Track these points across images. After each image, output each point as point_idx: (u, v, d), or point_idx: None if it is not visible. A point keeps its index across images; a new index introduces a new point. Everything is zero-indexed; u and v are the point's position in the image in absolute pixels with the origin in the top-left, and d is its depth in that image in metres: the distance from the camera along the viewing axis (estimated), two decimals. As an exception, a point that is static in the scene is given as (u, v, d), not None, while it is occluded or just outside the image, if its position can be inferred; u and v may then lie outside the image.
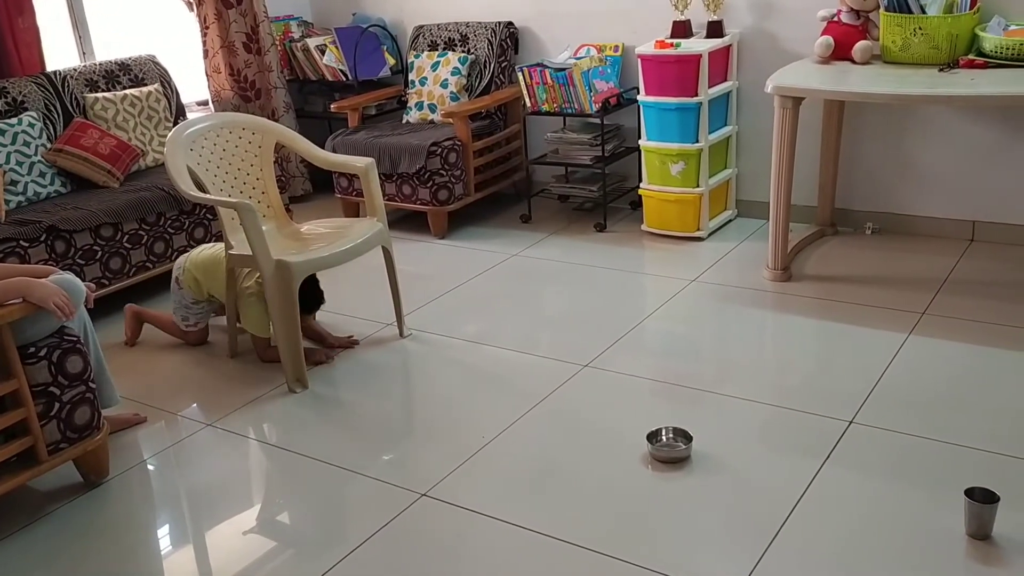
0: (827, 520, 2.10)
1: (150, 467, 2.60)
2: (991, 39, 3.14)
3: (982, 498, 1.99)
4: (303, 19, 5.08)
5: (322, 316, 3.46)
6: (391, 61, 4.81)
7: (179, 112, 4.27)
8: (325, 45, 4.83)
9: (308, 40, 4.84)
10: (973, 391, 2.61)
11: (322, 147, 3.84)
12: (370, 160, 3.20)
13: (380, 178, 4.18)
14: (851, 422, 2.48)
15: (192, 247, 3.81)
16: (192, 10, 4.60)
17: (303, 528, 2.28)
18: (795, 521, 2.10)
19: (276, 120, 4.61)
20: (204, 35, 4.61)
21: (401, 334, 3.22)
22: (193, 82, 4.71)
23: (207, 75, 4.66)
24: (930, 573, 1.92)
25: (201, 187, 3.05)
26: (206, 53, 4.64)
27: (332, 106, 4.57)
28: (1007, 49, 3.10)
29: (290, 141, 3.33)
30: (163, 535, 2.30)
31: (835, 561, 1.97)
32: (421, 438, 2.63)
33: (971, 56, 3.20)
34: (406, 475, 2.42)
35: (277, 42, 4.79)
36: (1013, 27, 3.22)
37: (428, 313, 3.41)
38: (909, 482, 2.22)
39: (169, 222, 3.72)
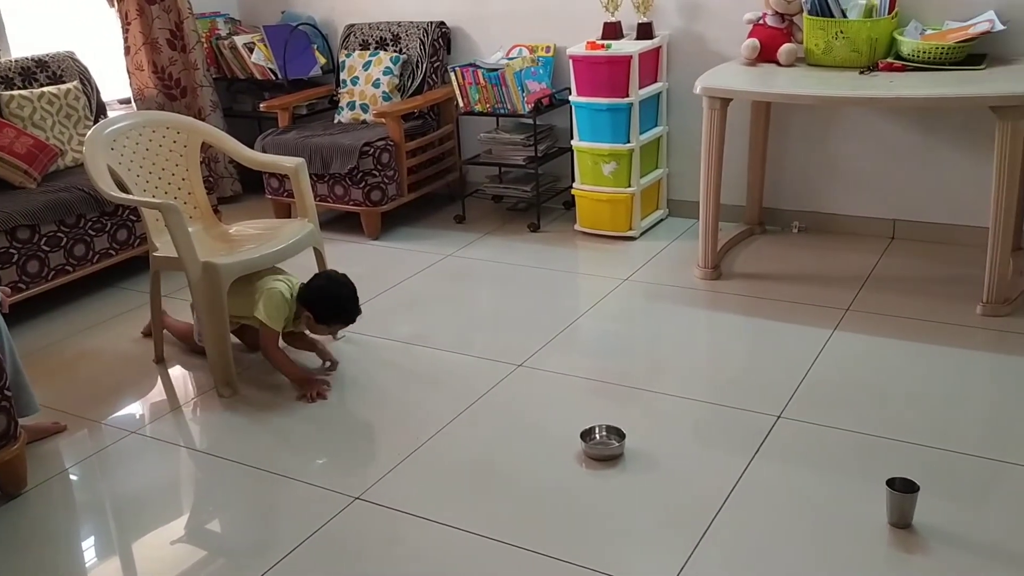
0: (756, 513, 2.14)
1: (72, 477, 2.52)
2: (908, 43, 3.25)
3: (903, 488, 2.05)
4: (230, 16, 4.98)
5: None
6: (322, 60, 4.75)
7: (100, 110, 4.14)
8: (254, 43, 4.74)
9: (236, 38, 4.75)
10: (894, 384, 2.69)
11: (251, 147, 3.78)
12: (300, 160, 3.15)
13: (312, 179, 4.14)
14: (779, 417, 2.53)
15: (115, 250, 3.71)
16: (112, 6, 4.47)
17: (234, 536, 2.23)
18: (725, 515, 2.14)
19: (203, 119, 4.51)
20: (125, 32, 4.48)
21: (334, 336, 3.18)
22: (114, 80, 4.57)
23: (129, 72, 4.53)
24: (854, 562, 1.97)
25: (123, 187, 2.96)
26: (127, 50, 4.51)
27: (261, 105, 4.50)
28: (923, 53, 3.21)
29: (217, 141, 3.26)
30: (87, 547, 2.23)
31: (764, 553, 2.01)
32: (354, 441, 2.60)
33: (890, 59, 3.30)
34: (339, 479, 2.39)
35: (203, 39, 4.69)
36: (929, 31, 3.34)
37: (362, 315, 3.36)
38: (834, 474, 2.28)
39: (90, 224, 3.61)
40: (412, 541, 2.14)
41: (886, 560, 1.98)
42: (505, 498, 2.27)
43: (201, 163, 3.37)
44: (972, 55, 3.23)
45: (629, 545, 2.07)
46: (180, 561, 2.14)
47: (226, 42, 4.76)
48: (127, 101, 4.62)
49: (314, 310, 2.84)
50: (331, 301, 2.85)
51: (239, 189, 4.87)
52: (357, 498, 2.29)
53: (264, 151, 4.15)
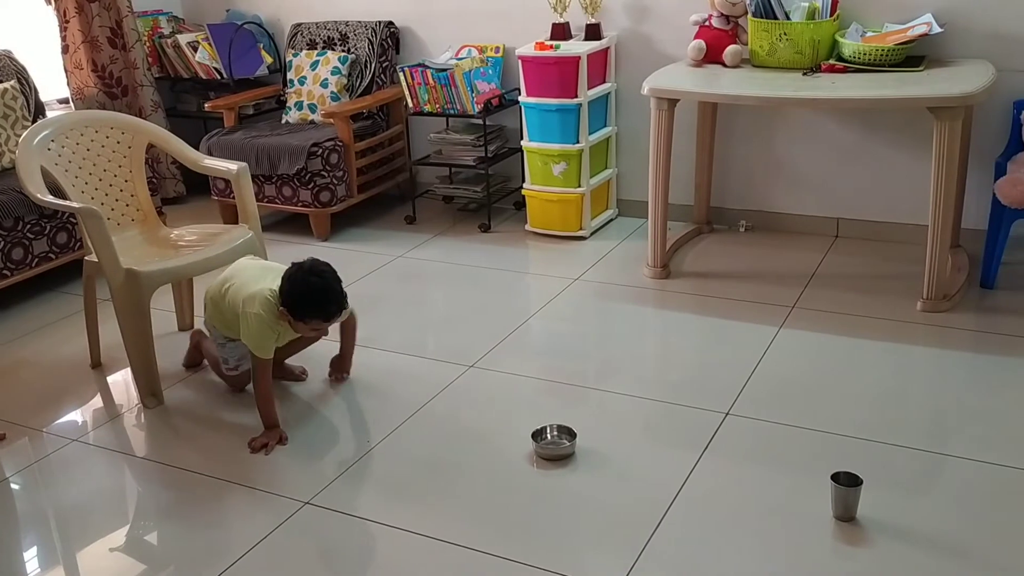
0: (705, 509, 2.17)
1: (13, 486, 2.45)
2: (850, 45, 3.31)
3: (847, 482, 2.09)
4: (173, 14, 4.89)
5: (198, 323, 3.34)
6: (268, 59, 4.69)
7: (38, 110, 4.03)
8: (197, 42, 4.66)
9: (179, 36, 4.66)
10: (838, 380, 2.74)
11: (196, 147, 3.71)
12: (243, 165, 3.06)
13: (259, 180, 4.10)
14: (727, 414, 2.57)
15: (55, 253, 3.62)
16: (49, 3, 4.35)
17: (181, 543, 2.19)
18: (675, 512, 2.16)
19: (144, 119, 4.41)
20: (64, 30, 4.37)
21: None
22: (54, 79, 4.46)
23: (67, 72, 4.42)
24: (800, 556, 2.00)
25: (60, 190, 2.89)
26: (66, 49, 4.40)
27: (206, 105, 4.43)
28: (864, 54, 3.28)
29: (162, 141, 3.20)
30: (29, 558, 2.17)
31: (712, 548, 2.04)
32: (303, 445, 2.57)
33: (832, 61, 3.37)
34: (288, 484, 2.36)
35: (144, 38, 4.59)
36: (869, 33, 3.41)
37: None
38: (780, 469, 2.32)
39: (28, 227, 3.51)
40: (363, 545, 2.12)
41: (832, 553, 2.02)
42: (456, 500, 2.27)
43: (145, 164, 3.29)
44: (911, 57, 3.30)
45: (580, 544, 2.08)
46: (127, 570, 2.09)
47: (169, 41, 4.67)
48: (65, 101, 4.51)
49: (288, 308, 2.48)
50: (302, 294, 2.46)
51: (183, 190, 4.78)
52: (307, 503, 2.27)
53: (210, 152, 4.08)
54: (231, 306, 2.60)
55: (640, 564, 1.99)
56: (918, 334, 2.99)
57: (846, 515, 2.08)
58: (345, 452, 2.50)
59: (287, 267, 2.53)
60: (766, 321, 3.12)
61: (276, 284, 2.53)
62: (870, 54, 3.27)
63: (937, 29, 3.27)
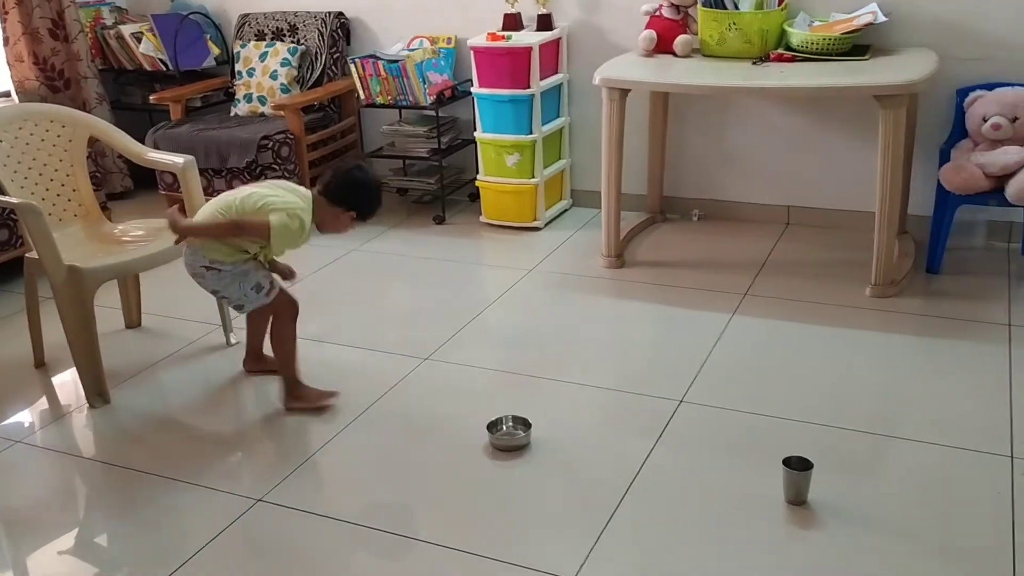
0: (659, 496, 2.18)
1: (-47, 492, 2.38)
2: (798, 34, 3.35)
3: (798, 466, 2.12)
4: (116, 5, 4.78)
5: (148, 321, 3.29)
6: (215, 51, 4.60)
7: (-23, 104, 3.92)
8: (142, 33, 4.56)
9: (122, 27, 4.56)
10: (790, 365, 2.77)
11: (142, 141, 3.64)
12: (189, 158, 3.00)
13: (208, 173, 4.03)
14: (681, 401, 2.58)
15: (-3, 251, 3.52)
16: (-12, -7, 4.23)
17: (132, 544, 2.14)
18: (630, 499, 2.17)
19: (88, 112, 4.31)
20: (3, 21, 4.25)
21: (228, 342, 3.08)
22: (-5, 72, 4.34)
23: (8, 64, 4.30)
24: (753, 540, 2.02)
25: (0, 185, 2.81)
26: (6, 41, 4.27)
27: (152, 97, 4.34)
28: (812, 44, 3.31)
29: (105, 135, 3.12)
30: (-31, 565, 2.12)
31: (667, 534, 2.05)
32: (254, 443, 2.54)
33: (781, 50, 3.40)
34: (239, 482, 2.33)
35: (87, 29, 4.48)
36: (817, 23, 3.45)
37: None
38: (733, 455, 2.34)
39: (-32, 224, 3.42)
40: (318, 541, 2.10)
41: (784, 536, 2.04)
42: (411, 493, 2.25)
43: (88, 158, 3.22)
44: (857, 46, 3.35)
45: (536, 534, 2.08)
46: (77, 573, 2.05)
47: (112, 32, 4.57)
48: (7, 94, 4.38)
49: (338, 197, 2.48)
50: (362, 184, 2.52)
51: (130, 185, 4.68)
52: (259, 500, 2.24)
53: (156, 145, 4.00)
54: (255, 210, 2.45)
55: (596, 552, 2.00)
56: (867, 319, 3.04)
57: (798, 499, 2.11)
58: (298, 449, 2.47)
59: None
60: (719, 309, 3.14)
61: (301, 197, 2.49)
62: (817, 43, 3.30)
63: (882, 18, 3.32)
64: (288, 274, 2.72)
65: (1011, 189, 3.06)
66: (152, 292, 3.29)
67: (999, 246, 3.56)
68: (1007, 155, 3.10)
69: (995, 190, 3.12)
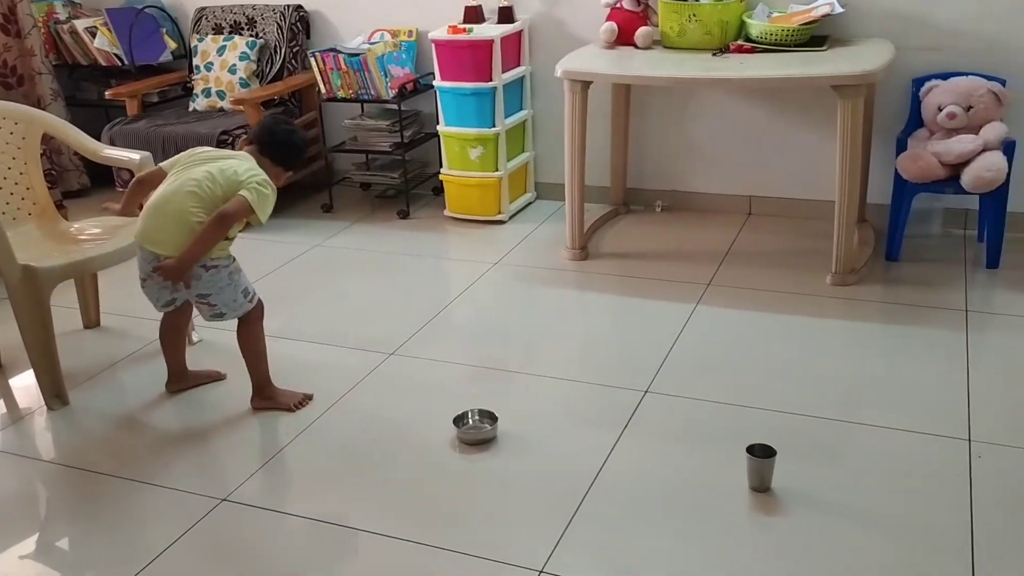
0: (625, 486, 2.19)
1: (-93, 499, 2.33)
2: (757, 25, 3.37)
3: (761, 454, 2.14)
4: (70, -1, 4.69)
5: (106, 321, 3.23)
6: (172, 45, 4.53)
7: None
8: (96, 27, 4.48)
9: (76, 22, 4.47)
10: (753, 354, 2.80)
11: (98, 138, 3.57)
12: (146, 154, 2.94)
13: (166, 170, 3.96)
14: (646, 391, 2.60)
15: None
16: (-64, -12, 4.13)
17: (94, 546, 2.11)
18: (596, 490, 2.18)
19: (43, 108, 4.23)
20: (-48, 16, 4.15)
21: (189, 340, 3.04)
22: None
23: (-41, 60, 4.21)
24: (718, 527, 2.04)
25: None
26: (-44, 36, 4.18)
27: (107, 93, 4.26)
28: (771, 35, 3.34)
29: (59, 131, 3.06)
30: (-75, 573, 2.07)
31: (633, 523, 2.06)
32: (217, 442, 2.50)
33: (740, 42, 3.42)
34: (203, 481, 2.30)
35: (40, 24, 4.39)
36: (775, 14, 3.48)
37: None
38: (698, 444, 2.36)
39: (-81, 224, 3.33)
40: (285, 539, 2.08)
41: (748, 523, 2.06)
42: (377, 489, 2.24)
43: (43, 155, 3.15)
44: (815, 37, 3.38)
45: (503, 527, 2.08)
46: (32, 580, 2.01)
47: (65, 26, 4.48)
48: (-43, 91, 4.29)
49: (278, 157, 2.52)
50: (294, 143, 2.57)
51: (87, 182, 4.60)
52: (224, 499, 2.21)
53: (112, 142, 3.94)
54: (226, 184, 2.39)
55: (563, 542, 2.01)
56: (828, 307, 3.08)
57: (761, 486, 2.13)
58: (263, 447, 2.44)
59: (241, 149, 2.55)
60: (683, 299, 3.16)
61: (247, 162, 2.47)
62: (776, 34, 3.33)
63: (839, 9, 3.36)
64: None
65: (966, 177, 3.11)
66: (111, 291, 3.23)
67: (956, 233, 3.62)
68: (962, 144, 3.15)
69: (951, 178, 3.18)
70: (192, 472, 2.36)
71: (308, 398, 2.63)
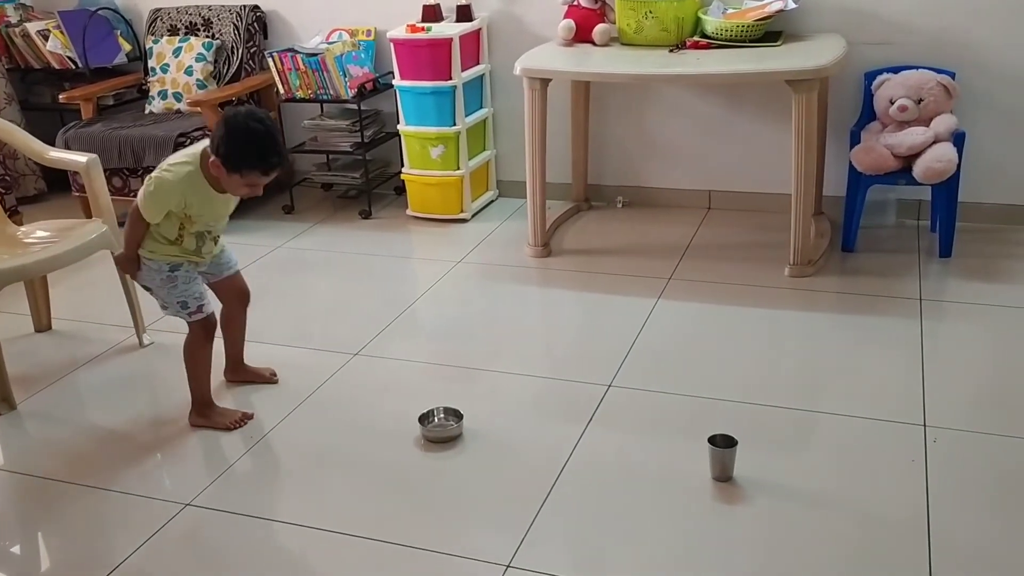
0: (590, 480, 2.21)
1: None
2: (712, 22, 3.41)
3: (723, 444, 2.17)
4: (21, 2, 4.60)
5: (58, 325, 3.19)
6: (127, 47, 4.47)
7: None
8: (48, 30, 4.40)
9: (28, 25, 4.39)
10: (714, 346, 2.84)
11: (53, 142, 3.52)
12: (92, 156, 2.88)
13: (124, 173, 3.93)
14: (610, 386, 2.62)
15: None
16: None
17: (52, 556, 2.09)
18: (561, 485, 2.20)
19: (-3, 113, 4.16)
20: (-102, 19, 4.06)
21: (141, 343, 3.01)
22: None
23: (-93, 65, 4.12)
24: (682, 517, 2.07)
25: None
26: (-97, 40, 4.09)
27: (61, 96, 4.19)
28: (726, 31, 3.38)
29: (6, 134, 3.00)
30: None
31: (598, 516, 2.08)
32: (178, 446, 2.47)
33: (696, 38, 3.46)
34: (165, 486, 2.28)
35: (-10, 27, 4.32)
36: (730, 10, 3.52)
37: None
38: (661, 436, 2.39)
39: None
40: (251, 543, 2.07)
41: (711, 512, 2.09)
42: (344, 490, 2.24)
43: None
44: (769, 32, 3.43)
45: (469, 523, 2.09)
46: (-8, 591, 1.98)
47: (17, 29, 4.40)
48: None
49: (224, 156, 2.21)
50: (244, 140, 2.19)
51: (43, 187, 4.53)
52: (188, 504, 2.20)
53: (67, 145, 3.88)
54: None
55: (529, 537, 2.02)
56: (786, 299, 3.13)
57: (724, 475, 2.16)
58: (227, 449, 2.43)
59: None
60: (644, 294, 3.19)
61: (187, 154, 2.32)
62: (731, 30, 3.37)
63: (792, 5, 3.41)
64: None
65: (918, 168, 3.18)
66: (63, 295, 3.19)
67: (909, 223, 3.69)
68: (913, 136, 3.22)
69: (903, 170, 3.24)
70: (153, 477, 2.33)
71: (247, 417, 2.54)
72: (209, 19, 4.29)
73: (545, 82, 3.38)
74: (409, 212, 4.06)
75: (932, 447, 2.26)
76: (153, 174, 2.33)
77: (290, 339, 3.02)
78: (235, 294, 2.66)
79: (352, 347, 2.92)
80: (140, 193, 2.33)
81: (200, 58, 4.16)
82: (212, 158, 2.25)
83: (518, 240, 3.70)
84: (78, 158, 2.90)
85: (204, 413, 2.55)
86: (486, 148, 4.15)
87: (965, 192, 3.33)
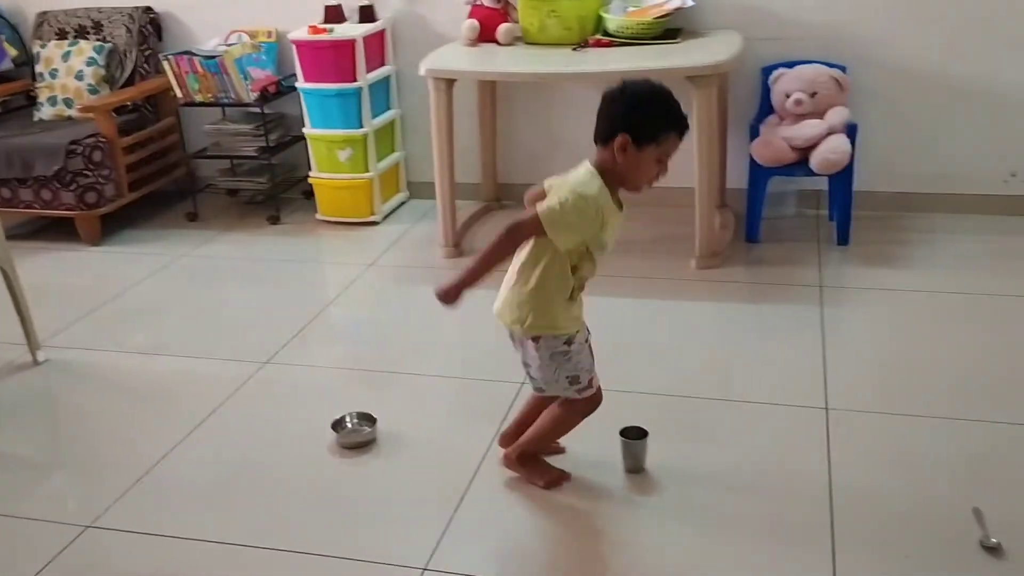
0: (504, 480, 2.21)
1: None
2: (614, 20, 3.46)
3: (635, 436, 2.20)
4: None
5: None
6: (13, 52, 4.27)
7: None
8: (-74, 35, 4.18)
9: (-97, 30, 4.16)
10: (625, 340, 2.86)
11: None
12: None
13: (12, 184, 3.76)
14: (523, 383, 2.61)
15: None
16: None
17: (-57, 591, 1.98)
18: (477, 484, 2.19)
19: None
20: None
21: (35, 360, 2.87)
22: None
23: None
24: (593, 510, 2.10)
25: None
26: None
27: (-58, 105, 3.99)
28: (627, 29, 3.43)
29: None
30: None
31: (514, 514, 2.09)
32: (78, 465, 2.38)
33: (599, 36, 3.50)
34: (63, 508, 2.19)
35: None
36: (631, 9, 3.57)
37: (81, 331, 3.08)
38: (575, 432, 2.36)
39: None
40: (160, 563, 2.00)
41: (623, 503, 2.12)
42: (255, 502, 2.19)
43: None
44: (669, 30, 3.49)
45: (385, 528, 2.07)
46: None
47: None
48: None
49: (636, 129, 1.92)
50: (652, 101, 1.93)
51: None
52: (88, 526, 2.11)
53: (-50, 156, 3.69)
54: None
55: (446, 539, 2.01)
56: (693, 290, 3.19)
57: (636, 467, 2.19)
58: (130, 469, 2.33)
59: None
60: (557, 290, 3.21)
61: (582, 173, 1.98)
62: (632, 28, 3.42)
63: (690, 3, 3.48)
64: None
65: (814, 160, 3.28)
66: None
67: (809, 213, 3.81)
68: (809, 128, 3.32)
69: (801, 161, 3.35)
70: (49, 498, 2.24)
71: (565, 478, 2.18)
72: (99, 22, 4.13)
73: (450, 82, 3.37)
74: (319, 216, 4.00)
75: (835, 428, 2.33)
76: (552, 200, 1.96)
77: (196, 351, 2.93)
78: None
79: (262, 356, 2.86)
80: (528, 214, 1.99)
81: (91, 62, 4.01)
82: (619, 138, 1.93)
83: (430, 241, 3.68)
84: None
85: (527, 464, 2.20)
86: (395, 150, 4.11)
87: (860, 182, 3.46)
